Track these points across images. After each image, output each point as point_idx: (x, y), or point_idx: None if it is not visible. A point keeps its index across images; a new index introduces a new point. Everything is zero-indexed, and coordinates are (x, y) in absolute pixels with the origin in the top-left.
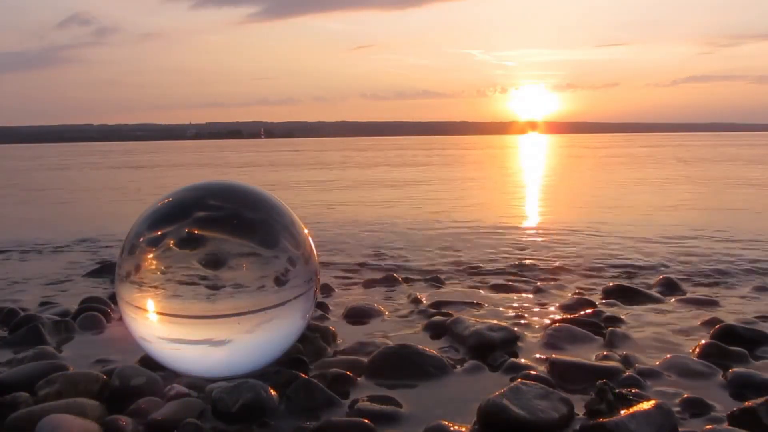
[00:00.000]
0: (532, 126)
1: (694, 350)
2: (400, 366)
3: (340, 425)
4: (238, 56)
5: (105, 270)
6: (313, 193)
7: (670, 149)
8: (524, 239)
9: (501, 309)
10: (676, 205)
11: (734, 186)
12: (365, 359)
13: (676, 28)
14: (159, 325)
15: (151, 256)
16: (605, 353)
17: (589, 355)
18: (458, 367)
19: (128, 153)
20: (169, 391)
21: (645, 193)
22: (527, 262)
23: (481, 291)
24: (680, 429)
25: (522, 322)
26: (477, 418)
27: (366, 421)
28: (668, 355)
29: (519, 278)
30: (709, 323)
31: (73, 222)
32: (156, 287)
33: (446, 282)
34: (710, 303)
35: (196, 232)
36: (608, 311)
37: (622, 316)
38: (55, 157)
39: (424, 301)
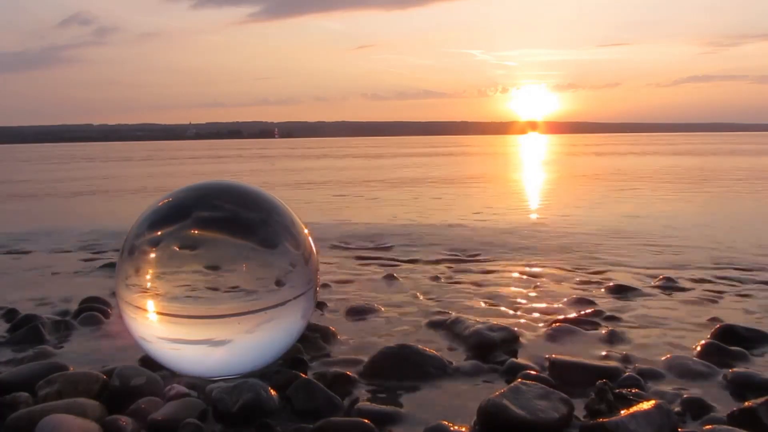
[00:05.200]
0: (533, 126)
1: (694, 350)
2: (400, 366)
3: (340, 425)
4: (238, 56)
5: (105, 270)
6: None
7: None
8: (525, 238)
9: (501, 309)
10: (678, 203)
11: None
12: (365, 359)
13: (678, 28)
14: (159, 325)
15: (151, 256)
16: (605, 353)
17: (589, 355)
18: (458, 367)
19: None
20: (169, 391)
21: (646, 192)
22: (528, 261)
23: (481, 290)
24: (680, 429)
25: (522, 322)
26: (477, 418)
27: (366, 421)
28: (668, 355)
29: (519, 278)
30: (709, 323)
31: (74, 221)
32: (156, 287)
33: (447, 281)
34: (710, 303)
35: (196, 232)
36: (608, 311)
37: (622, 316)
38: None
39: (424, 301)
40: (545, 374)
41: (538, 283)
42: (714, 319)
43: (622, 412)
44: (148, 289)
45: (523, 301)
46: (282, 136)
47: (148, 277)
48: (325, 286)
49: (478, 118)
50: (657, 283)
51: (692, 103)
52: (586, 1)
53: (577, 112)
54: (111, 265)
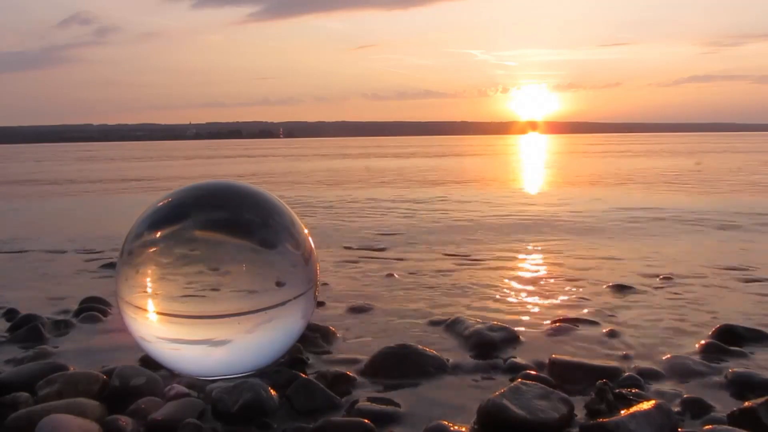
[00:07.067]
0: (533, 126)
1: (694, 350)
2: (400, 366)
3: (340, 425)
4: (238, 56)
5: (105, 269)
6: None
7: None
8: (525, 239)
9: (501, 309)
10: (679, 203)
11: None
12: (365, 359)
13: (678, 27)
14: (159, 325)
15: (151, 256)
16: (605, 353)
17: (589, 355)
18: (458, 366)
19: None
20: (169, 391)
21: (647, 193)
22: (528, 261)
23: (481, 290)
24: (680, 429)
25: (522, 321)
26: (477, 418)
27: (366, 421)
28: (668, 355)
29: (519, 278)
30: (709, 323)
31: (75, 221)
32: (156, 287)
33: (446, 281)
34: (710, 304)
35: (196, 232)
36: (608, 310)
37: (623, 316)
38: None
39: (424, 300)
40: (545, 374)
41: (539, 283)
42: (714, 319)
43: (622, 412)
44: (148, 288)
45: (524, 302)
46: (285, 137)
47: (148, 276)
48: (324, 285)
49: (478, 118)
50: (657, 283)
51: (692, 103)
52: (586, 1)
53: (577, 112)
54: (111, 265)
